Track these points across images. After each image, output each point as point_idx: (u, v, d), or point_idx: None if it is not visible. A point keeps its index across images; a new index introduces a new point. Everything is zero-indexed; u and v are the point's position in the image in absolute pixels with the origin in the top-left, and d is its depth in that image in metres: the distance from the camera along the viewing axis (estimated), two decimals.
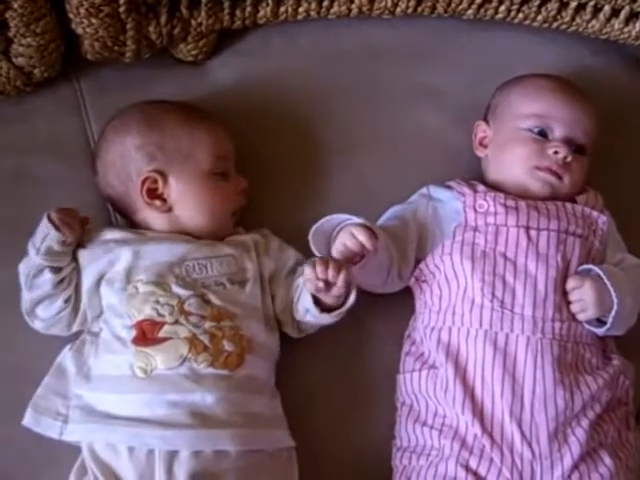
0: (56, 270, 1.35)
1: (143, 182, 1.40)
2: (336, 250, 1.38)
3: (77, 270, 1.38)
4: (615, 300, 1.37)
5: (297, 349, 1.46)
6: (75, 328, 1.39)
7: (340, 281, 1.32)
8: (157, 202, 1.41)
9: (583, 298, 1.38)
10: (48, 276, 1.35)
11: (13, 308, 1.40)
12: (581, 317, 1.39)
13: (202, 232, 1.42)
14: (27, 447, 1.36)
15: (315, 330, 1.45)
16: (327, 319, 1.39)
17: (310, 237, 1.40)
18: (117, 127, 1.44)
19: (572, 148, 1.47)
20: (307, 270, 1.33)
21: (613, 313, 1.37)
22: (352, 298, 1.38)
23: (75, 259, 1.38)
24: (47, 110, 1.57)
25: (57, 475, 1.35)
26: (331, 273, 1.32)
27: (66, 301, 1.37)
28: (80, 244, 1.39)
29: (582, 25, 1.66)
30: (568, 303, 1.40)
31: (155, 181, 1.40)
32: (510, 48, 1.71)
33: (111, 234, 1.40)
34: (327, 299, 1.37)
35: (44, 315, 1.38)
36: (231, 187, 1.45)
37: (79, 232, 1.36)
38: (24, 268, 1.36)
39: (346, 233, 1.38)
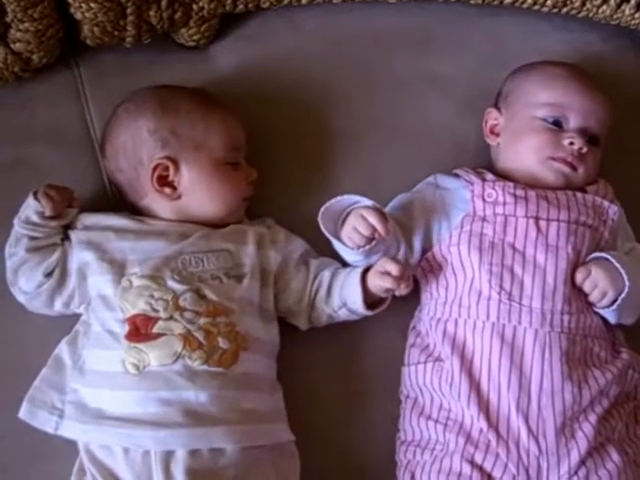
0: (33, 238, 1.35)
1: (154, 168, 1.38)
2: (346, 234, 1.38)
3: (64, 247, 1.37)
4: (626, 278, 1.36)
5: (299, 342, 1.45)
6: (58, 306, 1.37)
7: (405, 290, 1.36)
8: (167, 189, 1.39)
9: (597, 283, 1.37)
10: (24, 241, 1.35)
11: (10, 300, 1.39)
12: (604, 302, 1.38)
13: (210, 220, 1.41)
14: (23, 441, 1.35)
15: (325, 323, 1.45)
16: (367, 314, 1.40)
17: (319, 217, 1.39)
18: (131, 110, 1.42)
19: (586, 138, 1.46)
20: (392, 266, 1.34)
21: (623, 295, 1.36)
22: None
23: (68, 237, 1.38)
24: (46, 96, 1.55)
25: (54, 469, 1.35)
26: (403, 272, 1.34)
27: (47, 275, 1.36)
28: (74, 225, 1.39)
29: (592, 10, 1.64)
30: (583, 295, 1.38)
31: (167, 168, 1.39)
32: (518, 34, 1.68)
33: (111, 220, 1.39)
34: (377, 293, 1.38)
35: (25, 287, 1.36)
36: (242, 177, 1.44)
37: (61, 208, 1.36)
38: (9, 240, 1.38)
39: (356, 216, 1.37)
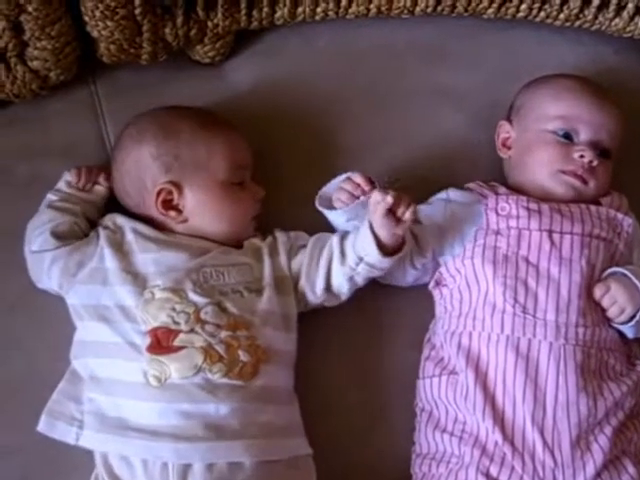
0: (54, 200, 1.43)
1: (158, 193, 1.39)
2: (335, 197, 1.42)
3: (89, 238, 1.40)
4: None
5: (314, 354, 1.44)
6: (55, 279, 1.37)
7: (409, 213, 1.33)
8: (172, 213, 1.40)
9: (616, 300, 1.37)
10: (45, 202, 1.43)
11: (28, 315, 1.41)
12: (622, 318, 1.38)
13: (221, 239, 1.41)
14: (40, 455, 1.36)
15: (337, 301, 1.43)
16: (385, 263, 1.36)
17: (317, 201, 1.44)
18: (133, 135, 1.43)
19: (597, 152, 1.45)
20: (376, 194, 1.34)
21: None
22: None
23: (97, 232, 1.40)
24: (63, 113, 1.57)
25: None
26: (401, 204, 1.33)
27: (55, 236, 1.38)
28: (105, 224, 1.41)
29: (605, 23, 1.64)
30: (599, 308, 1.39)
31: (170, 192, 1.39)
32: (531, 47, 1.69)
33: (138, 226, 1.40)
34: (389, 234, 1.35)
35: (35, 246, 1.39)
36: (248, 196, 1.44)
37: (85, 180, 1.44)
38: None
39: (343, 180, 1.42)
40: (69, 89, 1.58)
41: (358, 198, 1.40)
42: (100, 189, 1.46)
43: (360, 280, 1.41)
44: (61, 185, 1.45)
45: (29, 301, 1.42)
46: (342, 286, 1.41)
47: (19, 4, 1.38)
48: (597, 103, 1.48)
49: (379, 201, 1.33)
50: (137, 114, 1.46)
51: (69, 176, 1.44)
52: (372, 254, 1.36)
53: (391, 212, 1.33)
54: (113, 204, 1.47)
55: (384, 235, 1.35)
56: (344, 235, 1.42)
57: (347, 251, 1.39)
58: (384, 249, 1.36)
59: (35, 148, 1.53)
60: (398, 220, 1.34)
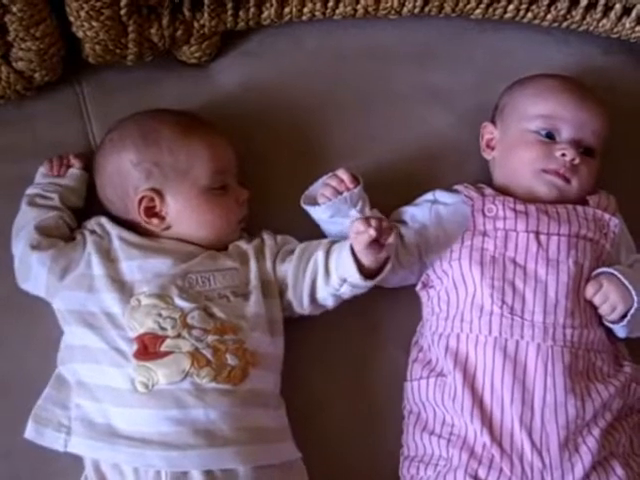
0: (33, 195, 1.44)
1: (140, 201, 1.38)
2: (320, 193, 1.43)
3: (77, 240, 1.39)
4: (634, 293, 1.36)
5: (302, 357, 1.44)
6: (40, 285, 1.37)
7: (392, 238, 1.31)
8: (155, 220, 1.39)
9: (608, 297, 1.37)
10: (25, 199, 1.43)
11: (14, 318, 1.40)
12: (613, 317, 1.38)
13: (206, 243, 1.41)
14: (27, 459, 1.35)
15: (322, 310, 1.43)
16: (368, 284, 1.35)
17: (302, 200, 1.45)
18: (114, 141, 1.42)
19: (580, 150, 1.46)
20: (358, 225, 1.32)
21: (632, 310, 1.37)
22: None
23: (84, 238, 1.39)
24: (48, 114, 1.56)
25: None
26: (383, 229, 1.31)
27: (40, 231, 1.38)
28: (92, 228, 1.40)
29: (592, 24, 1.64)
30: (587, 309, 1.39)
31: (152, 199, 1.38)
32: (519, 48, 1.69)
33: (123, 232, 1.39)
34: (372, 260, 1.33)
35: (21, 244, 1.39)
36: (231, 200, 1.43)
37: (57, 167, 1.46)
38: None
39: (329, 175, 1.43)
40: (54, 90, 1.57)
41: (342, 194, 1.40)
42: (74, 172, 1.46)
43: (346, 296, 1.40)
44: (37, 178, 1.46)
45: (16, 302, 1.41)
46: (326, 300, 1.41)
47: (3, 5, 1.37)
48: (579, 101, 1.48)
49: (361, 232, 1.31)
50: (119, 119, 1.46)
51: (43, 167, 1.46)
52: (354, 277, 1.34)
53: (374, 240, 1.31)
54: (101, 206, 1.46)
55: (367, 261, 1.33)
56: (329, 249, 1.39)
57: (331, 270, 1.37)
58: (367, 272, 1.34)
59: (20, 149, 1.52)
60: (381, 246, 1.32)
